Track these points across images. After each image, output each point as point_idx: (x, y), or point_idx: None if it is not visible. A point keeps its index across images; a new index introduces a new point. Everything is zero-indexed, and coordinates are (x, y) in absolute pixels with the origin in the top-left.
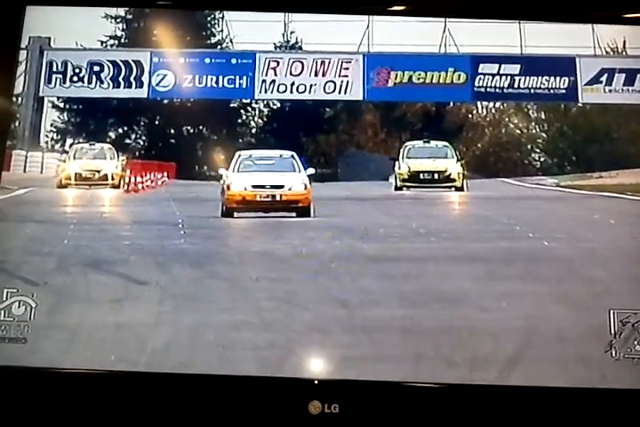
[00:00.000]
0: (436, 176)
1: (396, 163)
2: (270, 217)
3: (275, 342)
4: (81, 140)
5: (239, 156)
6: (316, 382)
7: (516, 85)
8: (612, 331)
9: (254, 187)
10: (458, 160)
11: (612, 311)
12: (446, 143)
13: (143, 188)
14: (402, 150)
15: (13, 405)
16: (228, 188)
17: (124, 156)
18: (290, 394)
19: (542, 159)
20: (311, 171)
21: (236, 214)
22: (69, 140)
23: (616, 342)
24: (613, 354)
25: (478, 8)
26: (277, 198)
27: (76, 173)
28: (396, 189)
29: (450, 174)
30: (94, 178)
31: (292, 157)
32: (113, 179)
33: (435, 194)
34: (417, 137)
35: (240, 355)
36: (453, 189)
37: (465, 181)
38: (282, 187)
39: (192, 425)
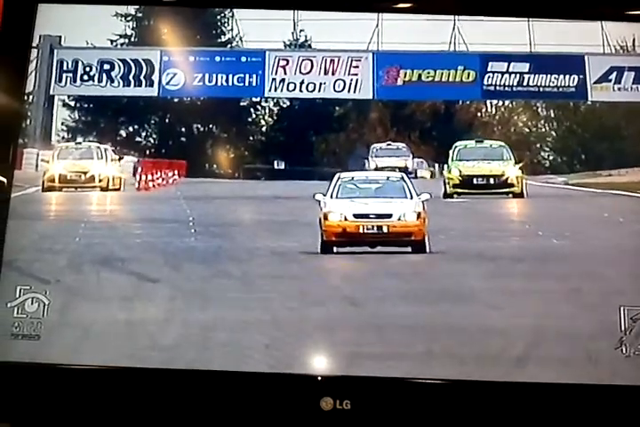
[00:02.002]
0: (491, 181)
1: (445, 166)
2: (378, 253)
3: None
4: (92, 139)
5: (338, 178)
6: (326, 378)
7: (525, 83)
8: (623, 328)
9: (356, 216)
10: (516, 162)
11: (622, 308)
12: (502, 143)
13: (154, 186)
14: (451, 152)
15: (28, 401)
16: (326, 217)
17: (136, 156)
18: (302, 391)
19: (551, 157)
20: (426, 196)
21: (335, 249)
22: (80, 139)
23: (626, 339)
24: (624, 351)
25: (486, 5)
26: (384, 230)
27: (60, 175)
28: (446, 195)
29: (507, 178)
30: (80, 180)
31: (402, 179)
32: (100, 181)
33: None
34: (426, 136)
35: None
36: (511, 195)
37: (525, 185)
38: (390, 216)
39: (204, 422)
